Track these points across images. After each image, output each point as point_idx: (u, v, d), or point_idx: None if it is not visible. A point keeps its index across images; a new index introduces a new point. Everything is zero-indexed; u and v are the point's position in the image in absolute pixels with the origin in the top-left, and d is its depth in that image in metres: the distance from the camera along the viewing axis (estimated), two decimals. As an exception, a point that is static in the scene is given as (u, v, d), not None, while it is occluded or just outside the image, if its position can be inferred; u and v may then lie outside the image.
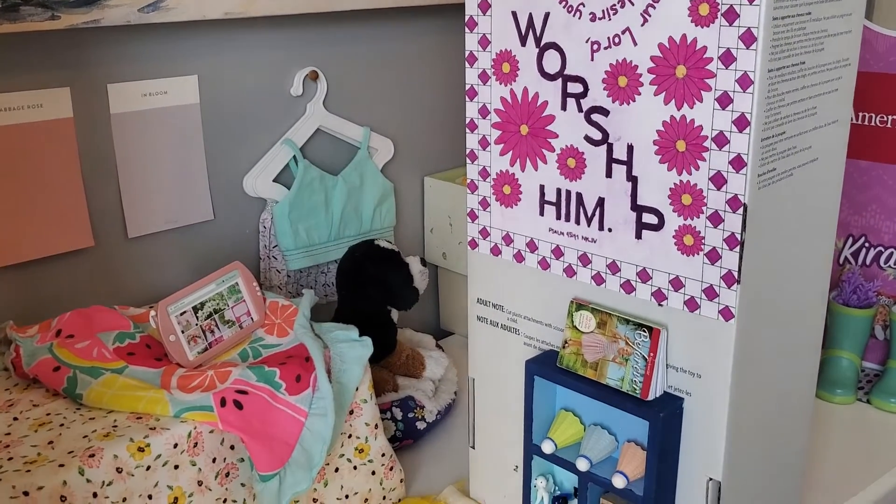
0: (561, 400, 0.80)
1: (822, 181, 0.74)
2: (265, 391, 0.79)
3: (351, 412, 0.88)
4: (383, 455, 0.91)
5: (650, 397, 0.71)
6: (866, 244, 1.20)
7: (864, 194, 1.19)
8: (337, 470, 0.87)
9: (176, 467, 0.73)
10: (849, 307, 1.15)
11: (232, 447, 0.78)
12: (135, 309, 0.92)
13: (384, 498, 0.92)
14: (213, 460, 0.76)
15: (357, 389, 0.88)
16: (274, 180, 1.12)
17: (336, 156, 1.18)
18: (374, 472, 0.90)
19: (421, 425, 1.05)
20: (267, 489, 0.77)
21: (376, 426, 0.90)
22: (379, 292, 1.06)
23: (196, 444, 0.75)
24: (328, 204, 1.15)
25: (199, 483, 0.75)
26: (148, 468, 0.71)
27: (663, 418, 0.69)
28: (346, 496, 0.88)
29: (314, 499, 0.86)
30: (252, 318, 0.91)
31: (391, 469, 0.92)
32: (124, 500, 0.70)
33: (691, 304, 0.69)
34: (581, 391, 0.75)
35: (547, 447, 0.78)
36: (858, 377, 1.16)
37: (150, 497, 0.72)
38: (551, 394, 0.80)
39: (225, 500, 0.78)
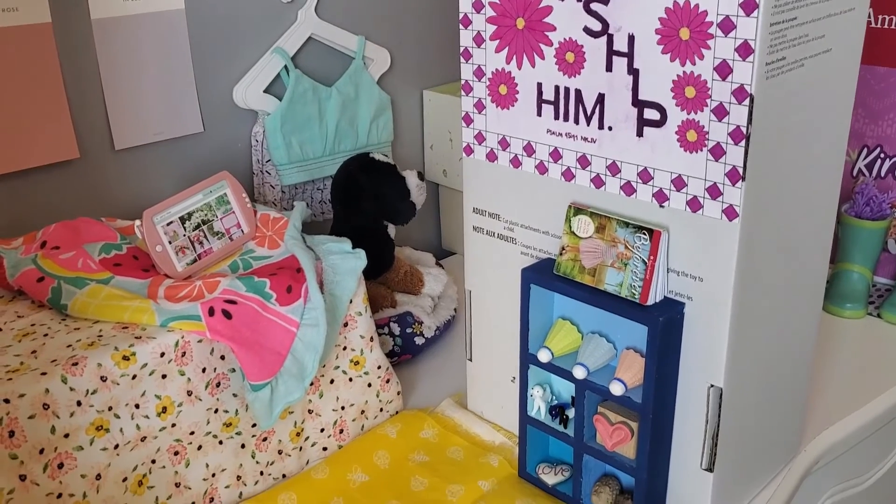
0: (558, 309, 0.78)
1: (836, 74, 0.70)
2: (255, 301, 0.77)
3: (345, 325, 0.86)
4: (379, 368, 0.90)
5: (649, 302, 0.68)
6: (882, 155, 1.16)
7: (881, 102, 1.14)
8: (332, 382, 0.86)
9: (164, 377, 0.72)
10: (861, 219, 1.12)
11: (222, 357, 0.76)
12: (122, 221, 0.90)
13: (381, 410, 0.91)
14: (203, 370, 0.75)
15: (351, 302, 0.86)
16: (265, 91, 1.08)
17: (329, 66, 1.14)
18: (370, 385, 0.89)
19: (419, 341, 1.04)
20: (258, 399, 0.76)
21: (371, 339, 0.89)
22: (374, 206, 1.03)
23: (184, 353, 0.73)
24: (322, 116, 1.12)
25: (189, 393, 0.74)
26: (134, 377, 0.70)
27: (663, 323, 0.67)
28: (342, 407, 0.87)
29: (309, 410, 0.85)
30: (242, 230, 0.89)
31: (387, 382, 0.91)
32: (110, 408, 0.69)
33: (693, 204, 0.66)
34: (578, 298, 0.73)
35: (543, 356, 0.76)
36: (869, 291, 1.14)
37: (136, 406, 0.71)
38: (548, 302, 0.78)
39: (216, 411, 0.77)
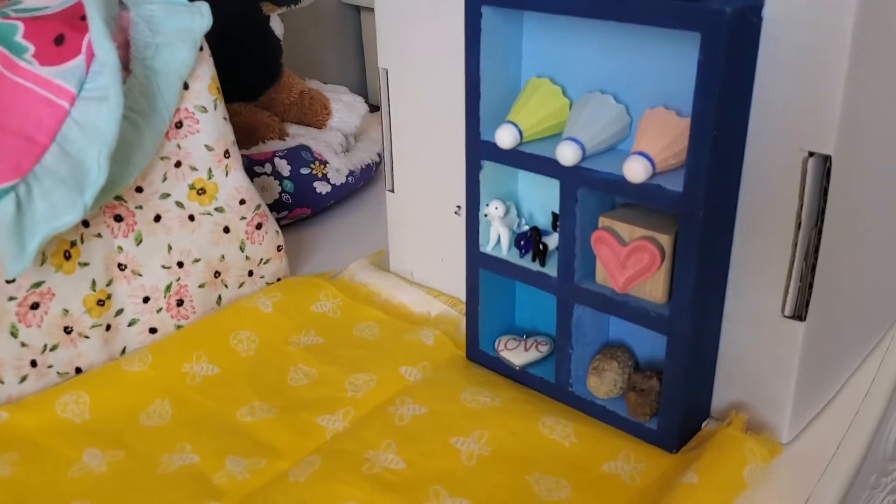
0: (531, 63, 0.48)
1: None
2: (-10, 52, 0.46)
3: (178, 125, 0.55)
4: (243, 203, 0.59)
5: (700, -6, 0.38)
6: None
7: None
8: (158, 219, 0.55)
9: None
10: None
11: (-71, 150, 0.45)
12: None
13: (250, 273, 0.61)
14: None
15: (186, 87, 0.55)
16: None
17: None
18: (226, 230, 0.59)
19: (322, 188, 0.73)
20: (-7, 219, 0.45)
21: (227, 154, 0.58)
22: (245, -24, 0.71)
23: None
24: None
25: None
26: None
27: (730, 22, 0.37)
28: (179, 264, 0.56)
29: (120, 264, 0.54)
30: (4, -25, 0.56)
31: (259, 228, 0.60)
32: None
33: None
34: (566, 10, 0.42)
35: (505, 137, 0.46)
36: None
37: None
38: (513, 50, 0.48)
39: (-77, 246, 0.45)
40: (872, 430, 0.50)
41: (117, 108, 0.47)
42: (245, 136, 0.73)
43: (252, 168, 0.70)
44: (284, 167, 0.72)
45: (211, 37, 0.56)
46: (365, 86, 1.09)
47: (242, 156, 0.70)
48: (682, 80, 0.41)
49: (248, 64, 0.73)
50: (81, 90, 0.48)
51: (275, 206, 0.71)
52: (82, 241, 0.52)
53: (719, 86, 0.38)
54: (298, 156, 0.73)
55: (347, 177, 0.76)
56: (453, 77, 0.53)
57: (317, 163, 0.74)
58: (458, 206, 0.57)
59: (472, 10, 0.45)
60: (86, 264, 0.52)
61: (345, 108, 0.81)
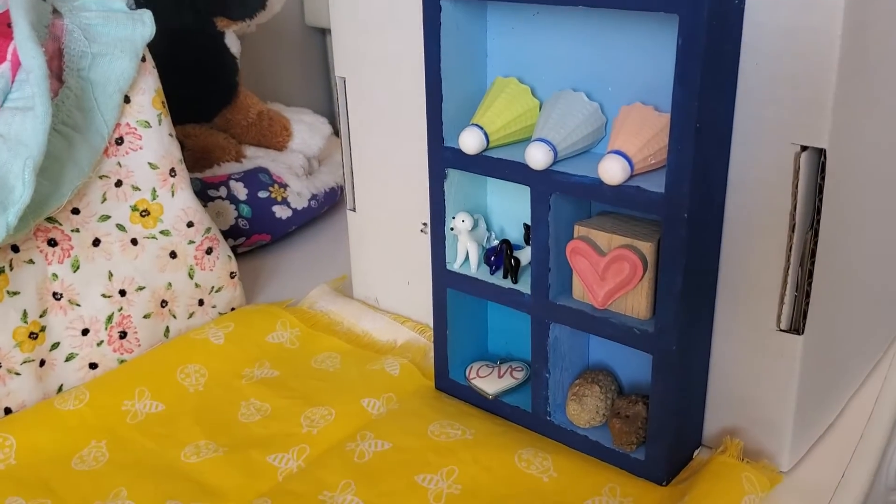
0: (497, 61, 0.45)
1: None
2: None
3: (118, 141, 0.52)
4: (191, 226, 0.55)
5: (677, -26, 0.36)
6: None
7: None
8: (97, 243, 0.52)
9: None
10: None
11: None
12: None
13: (200, 302, 0.57)
14: None
15: (127, 101, 0.52)
16: None
17: None
18: (173, 255, 0.55)
19: (282, 213, 0.70)
20: None
21: (173, 173, 0.54)
22: (197, -10, 0.68)
23: None
24: None
25: None
26: None
27: (711, 1, 0.34)
28: (122, 292, 0.53)
29: (56, 293, 0.50)
30: (-71, -17, 0.53)
31: (210, 253, 0.57)
32: None
33: None
34: None
35: (470, 141, 0.42)
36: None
37: None
38: (477, 48, 0.45)
39: None
40: (878, 455, 0.46)
41: (44, 119, 0.44)
42: (199, 159, 0.69)
43: (206, 192, 0.66)
44: (241, 190, 0.68)
45: (160, 53, 0.53)
46: (332, 110, 1.06)
47: (196, 179, 0.67)
48: (660, 73, 0.39)
49: (201, 82, 0.70)
50: (6, 100, 0.45)
51: (231, 233, 0.67)
52: (11, 268, 0.48)
53: (701, 72, 0.35)
54: (256, 178, 0.70)
55: (310, 201, 0.73)
56: (415, 84, 0.50)
57: (276, 186, 0.70)
58: (425, 224, 0.54)
59: (431, 4, 0.42)
60: (16, 293, 0.48)
61: (307, 130, 0.78)
